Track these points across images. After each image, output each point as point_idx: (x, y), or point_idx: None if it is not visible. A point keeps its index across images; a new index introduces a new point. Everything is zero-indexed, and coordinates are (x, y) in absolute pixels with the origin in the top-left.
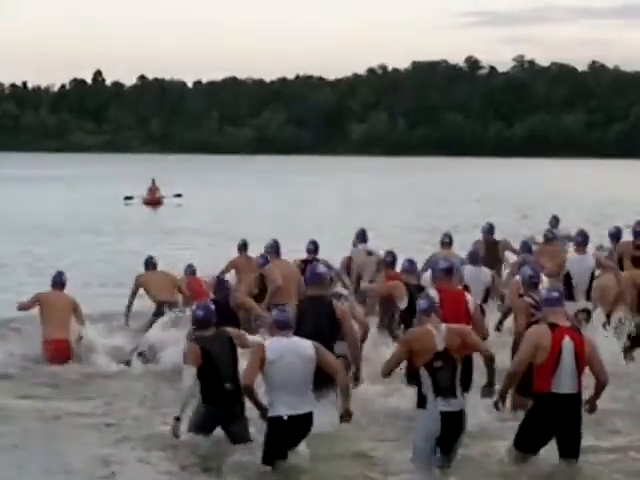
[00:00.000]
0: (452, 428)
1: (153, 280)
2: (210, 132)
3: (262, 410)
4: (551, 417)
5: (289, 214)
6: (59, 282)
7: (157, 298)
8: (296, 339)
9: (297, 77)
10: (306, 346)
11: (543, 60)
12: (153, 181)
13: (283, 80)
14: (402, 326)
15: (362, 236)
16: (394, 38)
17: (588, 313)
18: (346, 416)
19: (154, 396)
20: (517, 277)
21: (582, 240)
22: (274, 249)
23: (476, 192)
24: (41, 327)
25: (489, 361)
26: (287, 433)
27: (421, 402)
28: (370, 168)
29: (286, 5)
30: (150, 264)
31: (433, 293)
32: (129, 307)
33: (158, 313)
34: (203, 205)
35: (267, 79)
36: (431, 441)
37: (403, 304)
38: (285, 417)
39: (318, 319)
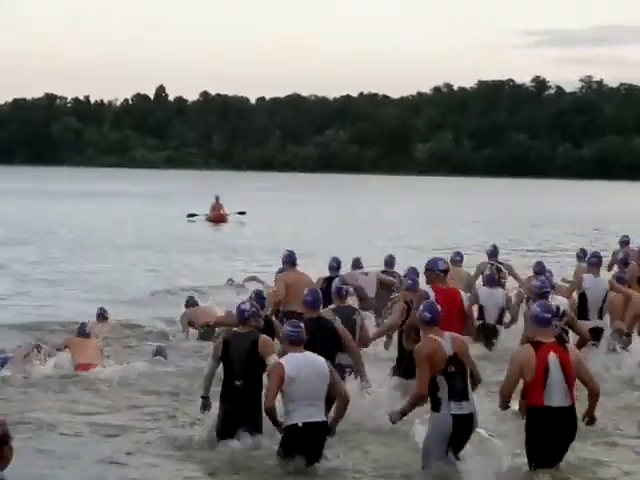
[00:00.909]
0: (463, 430)
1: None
2: (272, 149)
3: (279, 427)
4: (547, 429)
5: (352, 231)
6: (83, 333)
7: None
8: (310, 354)
9: (361, 95)
10: (322, 363)
11: (611, 81)
12: (217, 198)
13: (347, 98)
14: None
15: (356, 264)
16: (460, 57)
17: (600, 332)
18: (332, 434)
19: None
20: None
21: (596, 261)
22: (288, 259)
23: (544, 213)
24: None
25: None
26: (301, 440)
27: (435, 406)
28: (436, 188)
29: (350, 23)
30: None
31: (429, 291)
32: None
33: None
34: (266, 223)
35: (331, 97)
36: (444, 443)
37: None
38: (300, 424)
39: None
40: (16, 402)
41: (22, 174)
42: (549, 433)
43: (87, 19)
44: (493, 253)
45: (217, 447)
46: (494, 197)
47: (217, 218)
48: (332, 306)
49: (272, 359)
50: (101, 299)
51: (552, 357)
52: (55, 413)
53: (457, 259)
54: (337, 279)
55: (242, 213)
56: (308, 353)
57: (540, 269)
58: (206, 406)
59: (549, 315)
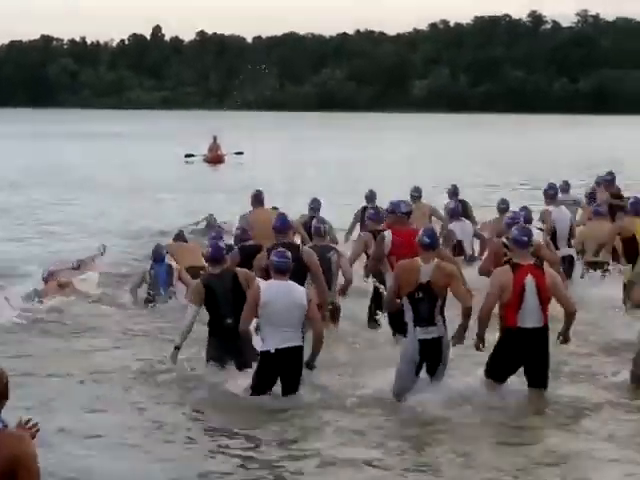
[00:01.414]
0: (431, 353)
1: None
2: (270, 89)
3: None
4: (518, 349)
5: (353, 170)
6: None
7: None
8: (291, 283)
9: (358, 32)
10: (300, 292)
11: (607, 15)
12: (214, 138)
13: (344, 35)
14: None
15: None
16: None
17: (572, 259)
18: (310, 368)
19: None
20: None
21: (554, 193)
22: (256, 199)
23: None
24: None
25: (466, 311)
26: (275, 365)
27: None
28: (433, 125)
29: None
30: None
31: (387, 234)
32: None
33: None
34: (265, 162)
35: (327, 34)
36: (412, 366)
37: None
38: (272, 350)
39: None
40: None
41: (19, 116)
42: (520, 353)
43: None
44: (454, 193)
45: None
46: (494, 134)
47: (215, 159)
48: (310, 244)
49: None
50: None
51: (529, 279)
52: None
53: (416, 195)
54: (315, 218)
55: (240, 153)
56: (289, 282)
57: (506, 206)
58: (175, 357)
59: (526, 238)
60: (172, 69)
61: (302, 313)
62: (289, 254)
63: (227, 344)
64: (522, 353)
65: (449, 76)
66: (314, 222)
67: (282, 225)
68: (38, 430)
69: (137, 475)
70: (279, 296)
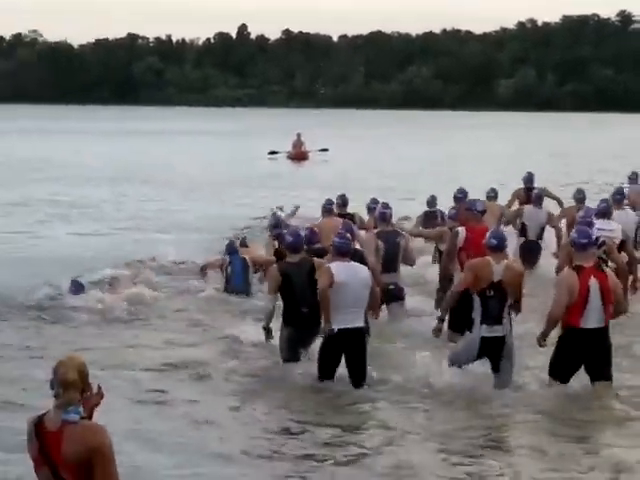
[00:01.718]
0: (494, 350)
1: None
2: (356, 87)
3: (328, 323)
4: (580, 349)
5: (438, 169)
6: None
7: None
8: (355, 264)
9: (444, 31)
10: (365, 271)
11: None
12: (298, 136)
13: (430, 34)
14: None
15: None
16: None
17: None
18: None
19: None
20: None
21: (620, 198)
22: (324, 208)
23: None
24: None
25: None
26: (339, 345)
27: (469, 326)
28: (521, 123)
29: None
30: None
31: (461, 230)
32: None
33: None
34: (349, 160)
35: (413, 33)
36: (471, 359)
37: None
38: (336, 330)
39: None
40: None
41: (105, 114)
42: (583, 353)
43: None
44: (529, 180)
45: (283, 372)
46: (579, 133)
47: (299, 155)
48: (376, 230)
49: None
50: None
51: (593, 281)
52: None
53: (491, 195)
54: (380, 204)
55: (324, 150)
56: (355, 264)
57: (582, 197)
58: (267, 336)
59: (586, 240)
60: (257, 67)
61: (368, 292)
62: (349, 236)
63: (302, 333)
64: (584, 352)
65: (536, 76)
66: (379, 207)
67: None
68: (103, 396)
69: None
70: (349, 276)
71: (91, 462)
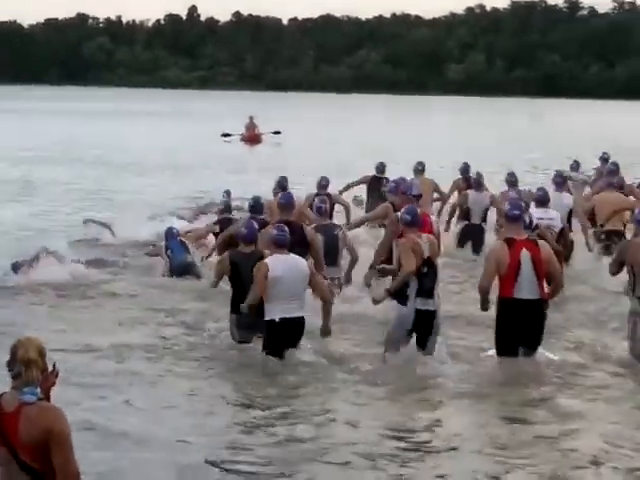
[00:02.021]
0: (425, 324)
1: None
2: (305, 70)
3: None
4: (515, 319)
5: (385, 150)
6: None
7: None
8: (293, 256)
9: (394, 15)
10: (303, 263)
11: None
12: (251, 118)
13: (379, 18)
14: None
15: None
16: None
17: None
18: (326, 334)
19: None
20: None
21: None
22: (279, 185)
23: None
24: None
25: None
26: (280, 333)
27: (403, 300)
28: (467, 108)
29: None
30: None
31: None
32: None
33: None
34: (301, 142)
35: (363, 17)
36: (405, 333)
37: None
38: (277, 319)
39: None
40: None
41: (54, 93)
42: (517, 323)
43: None
44: (465, 170)
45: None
46: (519, 118)
47: (252, 138)
48: (313, 224)
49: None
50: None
51: (524, 253)
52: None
53: (419, 169)
54: (318, 197)
55: (277, 133)
56: (293, 255)
57: (514, 180)
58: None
59: (518, 212)
60: (207, 49)
61: (306, 283)
62: (287, 229)
63: (251, 321)
64: (520, 322)
65: (485, 61)
66: (316, 201)
67: (286, 202)
68: (58, 375)
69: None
70: (286, 269)
71: (48, 444)
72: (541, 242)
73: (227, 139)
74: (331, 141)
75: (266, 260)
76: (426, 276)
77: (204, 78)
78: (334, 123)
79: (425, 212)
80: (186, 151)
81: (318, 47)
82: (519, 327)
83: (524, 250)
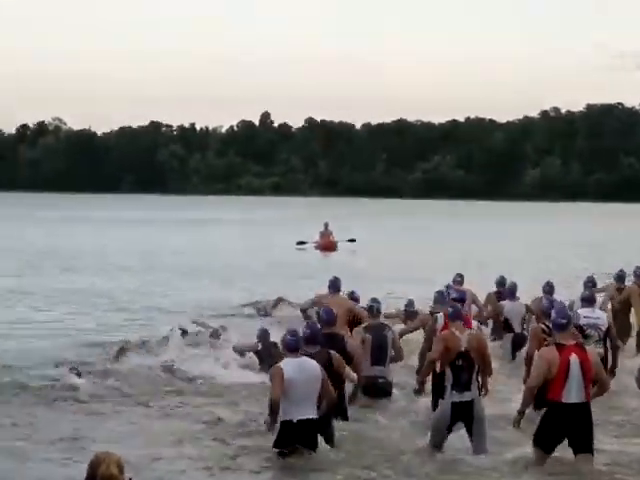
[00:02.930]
0: (465, 415)
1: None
2: (378, 175)
3: (272, 424)
4: (562, 423)
5: (459, 259)
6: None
7: None
8: (305, 359)
9: (468, 119)
10: (315, 365)
11: None
12: (326, 225)
13: (453, 122)
14: None
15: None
16: (568, 80)
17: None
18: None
19: None
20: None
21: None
22: (331, 285)
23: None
24: None
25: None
26: (295, 434)
27: (440, 393)
28: (546, 213)
29: (456, 47)
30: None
31: (440, 316)
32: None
33: None
34: (377, 250)
35: (436, 121)
36: (445, 426)
37: None
38: (295, 420)
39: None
40: None
41: (128, 202)
42: (563, 426)
43: (200, 46)
44: (501, 283)
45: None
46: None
47: (327, 246)
48: (364, 324)
49: (347, 371)
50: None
51: (573, 358)
52: None
53: (458, 279)
54: (372, 299)
55: (352, 240)
56: (304, 358)
57: (549, 289)
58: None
59: (565, 320)
60: (281, 155)
61: (319, 384)
62: (299, 332)
63: (316, 419)
64: (567, 426)
65: (561, 165)
66: (368, 301)
67: (327, 318)
68: None
69: None
70: (297, 371)
71: None
72: (589, 349)
73: (302, 247)
74: (405, 249)
75: (280, 364)
76: (461, 369)
77: (277, 184)
78: (408, 230)
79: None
80: (260, 258)
81: (391, 152)
82: (564, 430)
83: (573, 355)
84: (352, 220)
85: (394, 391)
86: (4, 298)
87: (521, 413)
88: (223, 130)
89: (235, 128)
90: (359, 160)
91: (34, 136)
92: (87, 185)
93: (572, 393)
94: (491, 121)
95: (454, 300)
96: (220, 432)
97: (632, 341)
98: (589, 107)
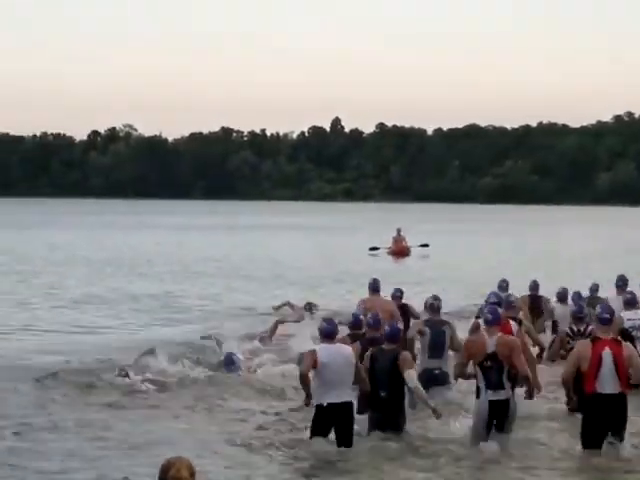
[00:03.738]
0: (500, 413)
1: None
2: (450, 181)
3: (308, 398)
4: (598, 413)
5: (538, 264)
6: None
7: None
8: (339, 345)
9: (540, 124)
10: (349, 352)
11: None
12: (398, 231)
13: (526, 127)
14: None
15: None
16: None
17: None
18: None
19: None
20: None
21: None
22: (371, 286)
23: None
24: None
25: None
26: (327, 418)
27: (477, 393)
28: (618, 219)
29: (527, 51)
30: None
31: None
32: None
33: None
34: (449, 255)
35: (509, 126)
36: (484, 424)
37: None
38: (325, 404)
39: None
40: None
41: (200, 208)
42: (600, 417)
43: (269, 53)
44: (534, 288)
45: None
46: None
47: (400, 251)
48: (424, 317)
49: (411, 372)
50: None
51: (606, 351)
52: None
53: (504, 285)
54: (431, 295)
55: (425, 245)
56: (338, 344)
57: (562, 294)
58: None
59: (608, 315)
60: (352, 161)
61: (352, 369)
62: (335, 321)
63: (382, 416)
64: (603, 416)
65: (635, 169)
66: (429, 298)
67: (373, 323)
68: None
69: None
70: (331, 356)
71: None
72: (625, 342)
73: (374, 252)
74: (478, 254)
75: (315, 347)
76: (490, 369)
77: (349, 190)
78: (480, 235)
79: (507, 319)
80: (336, 265)
81: (463, 157)
82: (602, 420)
83: (607, 348)
84: (424, 225)
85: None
86: (77, 303)
87: (571, 397)
88: (294, 136)
89: (306, 134)
90: (431, 166)
91: (105, 142)
92: (158, 191)
93: (605, 384)
94: (564, 126)
95: (493, 304)
96: (280, 431)
97: None
98: None
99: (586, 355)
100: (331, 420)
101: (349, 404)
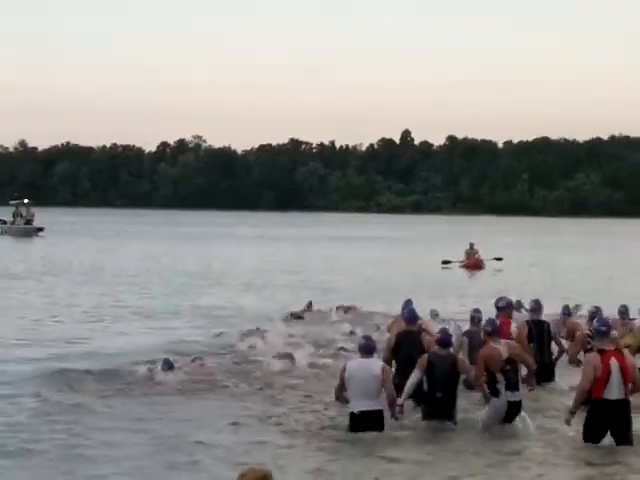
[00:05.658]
0: (514, 412)
1: None
2: (520, 193)
3: (340, 401)
4: (604, 417)
5: (607, 279)
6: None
7: None
8: (369, 360)
9: (612, 137)
10: (375, 367)
11: None
12: (471, 245)
13: (597, 140)
14: None
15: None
16: None
17: None
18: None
19: None
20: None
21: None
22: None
23: None
24: None
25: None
26: (359, 424)
27: (495, 393)
28: None
29: (599, 62)
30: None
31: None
32: None
33: None
34: (523, 269)
35: (580, 139)
36: (498, 420)
37: None
38: (356, 412)
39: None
40: None
41: (269, 219)
42: (605, 419)
43: (327, 67)
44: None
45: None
46: None
47: (473, 264)
48: (466, 328)
49: (471, 373)
50: None
51: (613, 361)
52: None
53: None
54: (474, 309)
55: (499, 259)
56: (369, 359)
57: (567, 311)
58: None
59: (605, 328)
60: (422, 173)
61: (378, 382)
62: (372, 338)
63: (436, 413)
64: (608, 419)
65: None
66: (471, 311)
67: (410, 316)
68: None
69: None
70: (356, 370)
71: None
72: (625, 352)
73: (447, 266)
74: (553, 268)
75: (346, 362)
76: (509, 372)
77: (418, 202)
78: (555, 249)
79: (505, 320)
80: (407, 276)
81: (533, 170)
82: (607, 423)
83: (613, 359)
84: (495, 238)
85: None
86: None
87: (573, 413)
88: (363, 148)
89: (375, 146)
90: (501, 178)
91: (174, 153)
92: (227, 203)
93: (613, 391)
94: (636, 138)
95: (501, 308)
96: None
97: None
98: None
99: (597, 366)
100: (364, 426)
101: (379, 412)
